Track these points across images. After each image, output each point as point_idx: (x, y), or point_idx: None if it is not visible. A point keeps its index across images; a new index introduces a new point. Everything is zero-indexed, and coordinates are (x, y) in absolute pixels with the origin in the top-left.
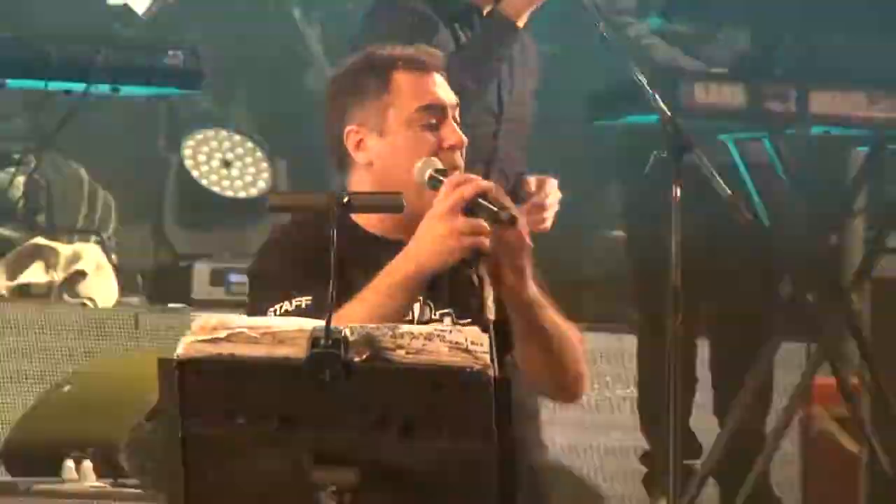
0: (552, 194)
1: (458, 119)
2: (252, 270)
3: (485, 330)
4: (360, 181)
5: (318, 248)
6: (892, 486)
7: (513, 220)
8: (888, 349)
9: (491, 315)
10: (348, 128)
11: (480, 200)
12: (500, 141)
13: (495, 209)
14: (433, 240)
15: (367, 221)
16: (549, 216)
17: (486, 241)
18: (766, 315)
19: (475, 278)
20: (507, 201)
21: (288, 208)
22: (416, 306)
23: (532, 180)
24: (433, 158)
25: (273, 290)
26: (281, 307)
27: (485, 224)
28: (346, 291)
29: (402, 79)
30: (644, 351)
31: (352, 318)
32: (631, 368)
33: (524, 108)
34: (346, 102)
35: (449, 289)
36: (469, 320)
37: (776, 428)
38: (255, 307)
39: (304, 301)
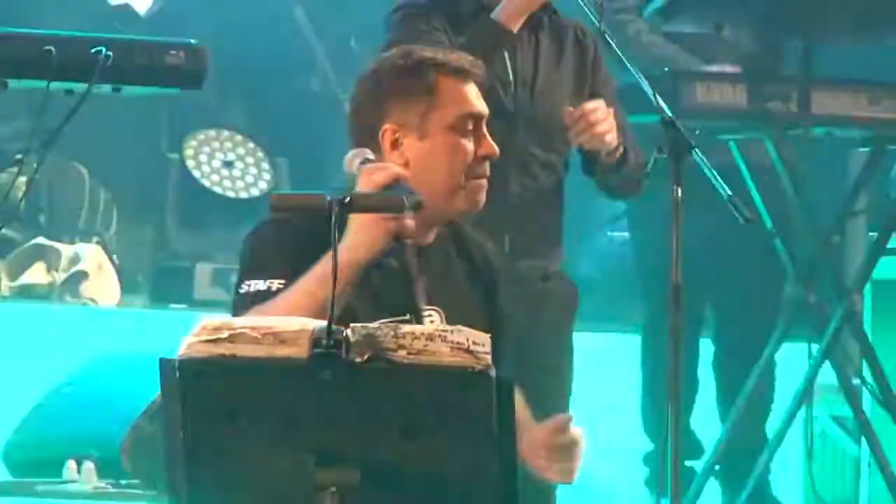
0: (595, 112)
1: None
2: (244, 244)
3: (418, 319)
4: None
5: (310, 237)
6: (893, 486)
7: (419, 205)
8: (889, 349)
9: (422, 303)
10: (386, 125)
11: (403, 184)
12: (517, 143)
13: (405, 193)
14: (357, 229)
15: None
16: (603, 129)
17: (410, 224)
18: (769, 315)
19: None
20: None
21: (289, 208)
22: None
23: (569, 109)
24: (364, 149)
25: (254, 267)
26: (253, 285)
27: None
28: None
29: (445, 84)
30: (647, 351)
31: (287, 306)
32: (631, 368)
33: (554, 110)
34: (386, 100)
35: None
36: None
37: (778, 428)
38: (238, 282)
39: (277, 284)
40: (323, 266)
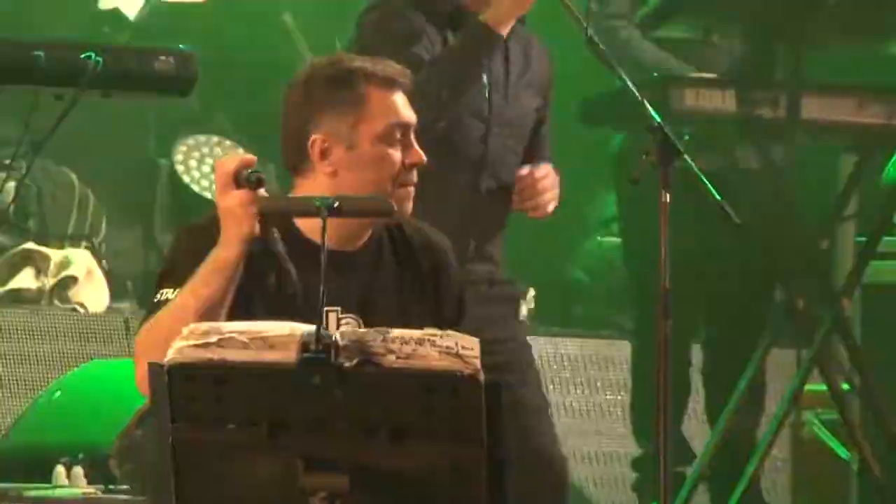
0: (544, 180)
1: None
2: (167, 250)
3: (287, 311)
4: (318, 187)
5: None
6: (882, 492)
7: (259, 181)
8: (878, 354)
9: (295, 290)
10: (315, 136)
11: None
12: (490, 144)
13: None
14: (223, 220)
15: (307, 227)
16: (547, 200)
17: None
18: (758, 320)
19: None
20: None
21: (278, 212)
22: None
23: (524, 169)
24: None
25: (168, 274)
26: (164, 294)
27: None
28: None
29: (374, 94)
30: (637, 356)
31: (175, 307)
32: (620, 374)
33: (523, 113)
34: (315, 110)
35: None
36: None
37: (767, 433)
38: (155, 288)
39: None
40: (206, 265)
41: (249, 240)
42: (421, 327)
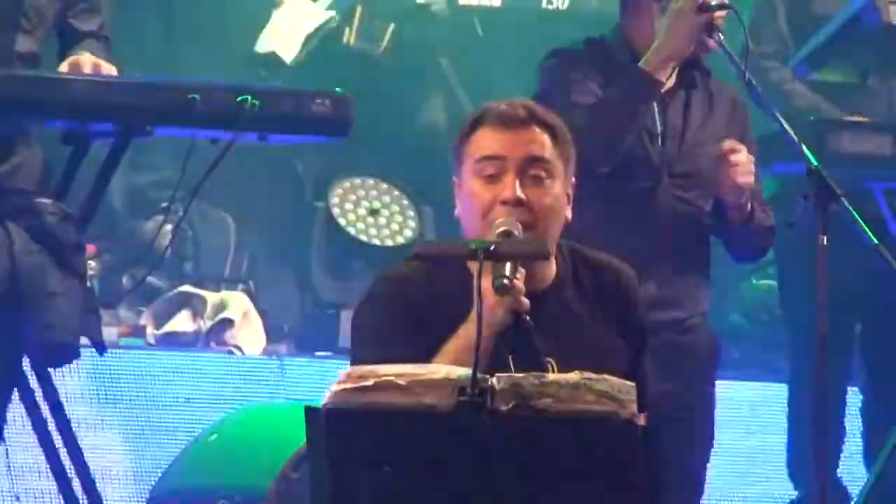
0: (741, 153)
1: (541, 174)
2: (354, 322)
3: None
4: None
5: (429, 303)
6: None
7: (504, 287)
8: None
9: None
10: (454, 177)
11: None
12: (659, 194)
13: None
14: (483, 297)
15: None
16: (744, 172)
17: (525, 302)
18: None
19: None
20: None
21: (434, 256)
22: None
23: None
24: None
25: (372, 346)
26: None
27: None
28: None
29: (481, 132)
30: (794, 400)
31: None
32: (780, 417)
33: (700, 162)
34: (454, 154)
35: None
36: None
37: None
38: (356, 362)
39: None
40: (453, 343)
41: (499, 329)
42: (612, 367)
